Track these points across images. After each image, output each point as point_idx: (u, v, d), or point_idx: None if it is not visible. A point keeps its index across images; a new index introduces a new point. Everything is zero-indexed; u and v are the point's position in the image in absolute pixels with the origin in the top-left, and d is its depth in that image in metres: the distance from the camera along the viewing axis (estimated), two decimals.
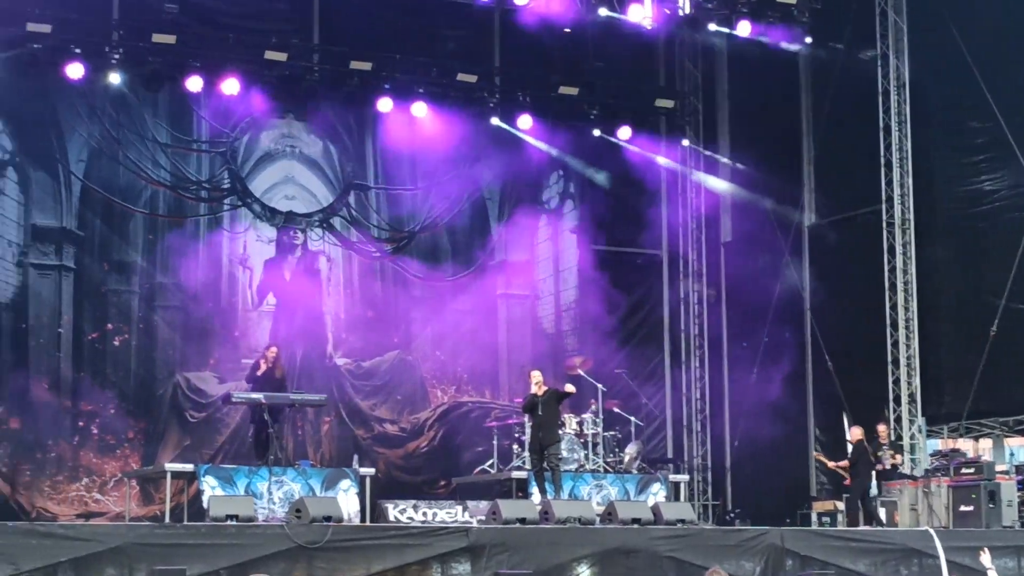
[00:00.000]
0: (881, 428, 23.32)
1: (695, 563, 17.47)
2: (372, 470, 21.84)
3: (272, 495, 20.03)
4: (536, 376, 20.88)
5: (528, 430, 22.06)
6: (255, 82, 24.74)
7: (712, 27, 25.79)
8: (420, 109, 25.90)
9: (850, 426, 22.84)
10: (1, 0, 22.57)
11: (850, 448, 22.08)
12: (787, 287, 27.04)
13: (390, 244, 26.97)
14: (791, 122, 27.21)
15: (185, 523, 18.81)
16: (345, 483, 20.86)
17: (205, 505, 19.15)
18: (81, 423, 23.95)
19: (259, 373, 21.57)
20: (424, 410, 26.77)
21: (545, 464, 20.65)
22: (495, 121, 26.77)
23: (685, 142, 28.75)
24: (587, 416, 23.70)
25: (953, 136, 24.76)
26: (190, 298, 25.21)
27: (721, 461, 27.83)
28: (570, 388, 21.00)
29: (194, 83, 24.29)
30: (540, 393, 20.53)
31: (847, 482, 22.19)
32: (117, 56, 23.63)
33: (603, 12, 25.18)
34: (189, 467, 20.67)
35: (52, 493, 23.46)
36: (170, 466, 21.04)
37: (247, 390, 21.68)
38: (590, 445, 23.55)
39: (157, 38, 23.58)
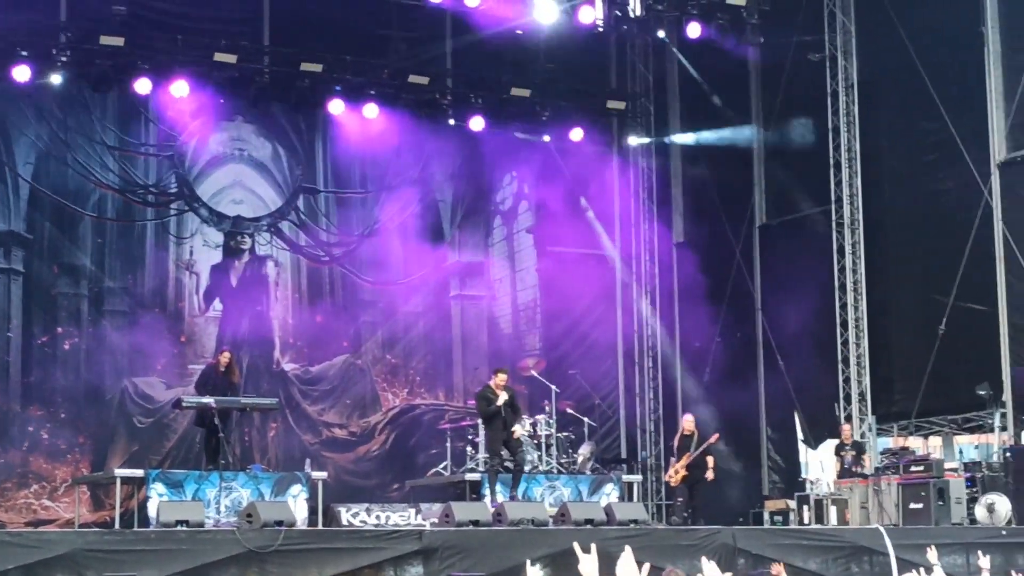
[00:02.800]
0: (845, 428, 23.48)
1: (649, 563, 17.45)
2: (324, 474, 21.76)
3: (220, 502, 19.93)
4: (502, 378, 20.63)
5: (483, 431, 22.01)
6: (204, 84, 24.55)
7: (661, 31, 25.84)
8: (371, 111, 25.81)
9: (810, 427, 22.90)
10: None
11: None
12: (739, 287, 27.16)
13: (339, 248, 26.86)
14: (741, 123, 27.31)
15: (135, 529, 18.68)
16: (296, 488, 20.77)
17: (154, 511, 19.05)
18: (31, 428, 23.73)
19: (216, 373, 21.54)
20: (375, 414, 26.65)
21: (510, 462, 20.61)
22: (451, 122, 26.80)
23: (634, 141, 28.78)
24: (540, 417, 23.71)
25: (902, 137, 24.94)
26: (137, 303, 25.07)
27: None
28: (504, 396, 20.61)
29: (142, 85, 24.10)
30: (505, 393, 20.31)
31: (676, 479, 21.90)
32: (64, 58, 23.42)
33: (554, 14, 25.15)
34: (139, 472, 20.53)
35: (1, 501, 23.24)
36: (120, 472, 20.88)
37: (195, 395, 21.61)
38: (543, 446, 23.54)
39: (105, 40, 23.35)
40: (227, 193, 25.93)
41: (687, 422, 21.86)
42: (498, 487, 20.73)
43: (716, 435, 21.80)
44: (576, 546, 8.10)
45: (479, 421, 23.13)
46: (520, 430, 20.82)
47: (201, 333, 25.58)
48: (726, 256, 27.29)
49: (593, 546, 8.08)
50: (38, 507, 23.39)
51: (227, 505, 19.97)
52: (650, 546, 18.16)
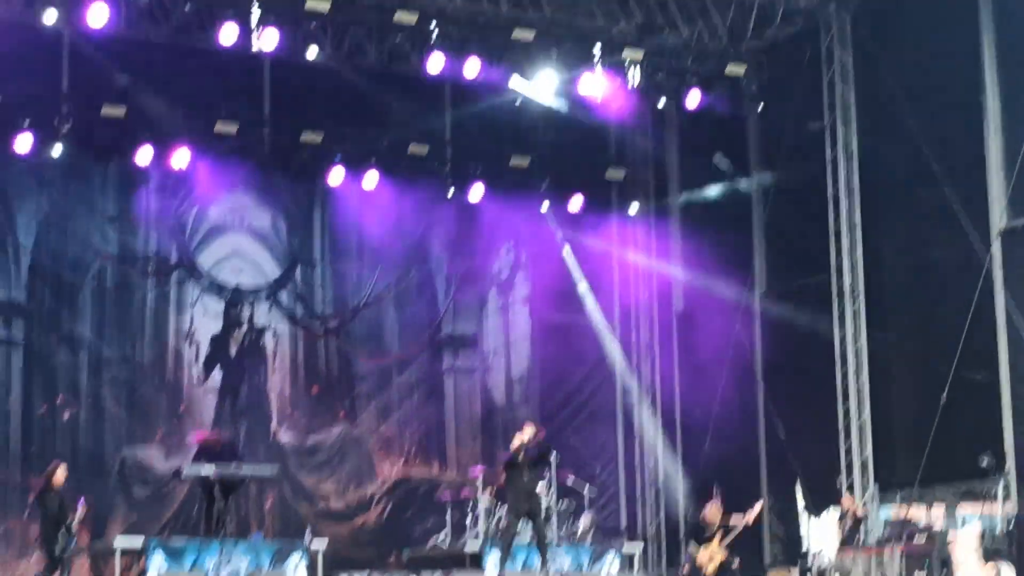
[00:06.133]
0: (845, 498, 23.35)
1: None
2: (324, 542, 21.63)
3: (220, 571, 19.80)
4: (525, 432, 20.31)
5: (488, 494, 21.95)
6: (205, 154, 24.67)
7: (662, 100, 26.00)
8: (371, 181, 25.90)
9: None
10: None
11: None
12: (739, 356, 27.08)
13: (335, 319, 26.84)
14: (741, 192, 27.35)
15: None
16: (295, 557, 20.70)
17: None
18: (31, 498, 23.58)
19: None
20: (371, 484, 26.56)
21: (533, 536, 20.54)
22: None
23: (634, 211, 28.84)
24: (540, 485, 23.60)
25: (902, 206, 24.91)
26: (136, 372, 25.05)
27: (675, 531, 27.74)
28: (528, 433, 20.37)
29: (143, 156, 24.20)
30: (522, 457, 20.09)
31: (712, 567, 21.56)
32: (66, 128, 23.42)
33: (555, 84, 25.23)
34: (138, 543, 20.41)
35: (1, 571, 23.07)
36: (119, 542, 20.76)
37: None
38: (543, 515, 23.42)
39: (106, 111, 23.47)
40: (227, 263, 25.95)
41: (714, 514, 21.57)
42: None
43: (761, 502, 21.72)
44: None
45: (478, 494, 23.09)
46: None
47: (200, 403, 25.51)
48: (726, 324, 27.23)
49: None
50: None
51: (227, 574, 19.85)
52: None
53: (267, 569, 19.93)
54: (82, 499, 19.84)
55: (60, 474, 18.97)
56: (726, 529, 21.43)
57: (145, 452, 24.74)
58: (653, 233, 28.89)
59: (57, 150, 23.66)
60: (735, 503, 22.45)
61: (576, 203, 27.79)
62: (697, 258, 27.95)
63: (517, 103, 26.15)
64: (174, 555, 19.96)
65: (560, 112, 26.34)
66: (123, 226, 25.14)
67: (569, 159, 27.48)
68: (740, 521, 21.41)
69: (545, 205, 27.70)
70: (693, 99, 25.56)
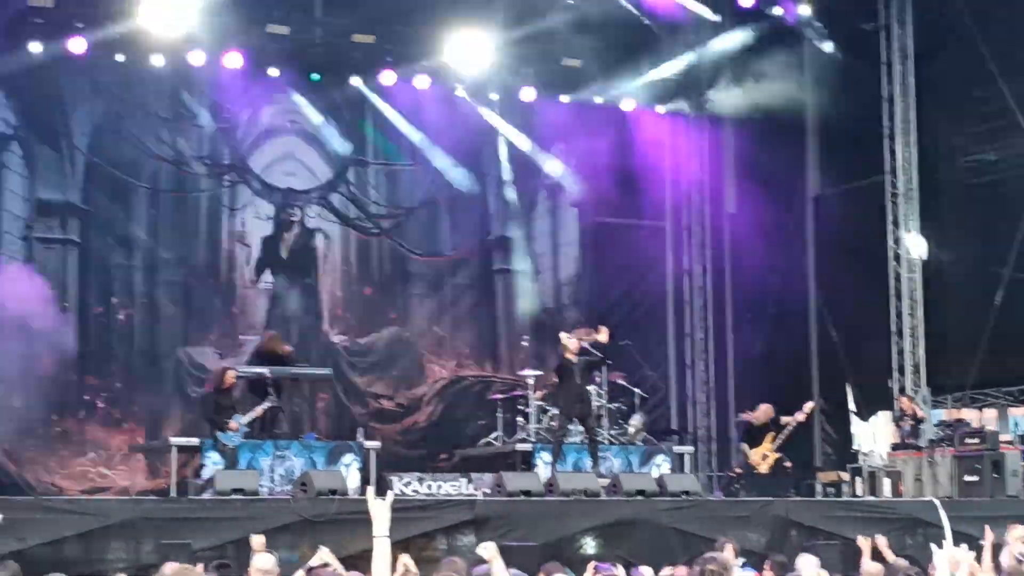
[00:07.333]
0: (904, 399, 23.35)
1: (700, 534, 17.45)
2: (377, 444, 21.81)
3: (274, 471, 20.02)
4: (570, 336, 20.62)
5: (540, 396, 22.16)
6: (257, 56, 24.65)
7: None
8: (423, 82, 25.83)
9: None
10: None
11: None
12: (792, 258, 27.01)
13: (388, 220, 26.90)
14: (794, 93, 27.11)
15: (191, 497, 18.80)
16: (348, 457, 20.88)
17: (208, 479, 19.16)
18: (87, 397, 23.94)
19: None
20: (422, 385, 26.72)
21: (584, 437, 20.70)
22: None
23: (685, 110, 28.63)
24: (591, 388, 23.69)
25: (957, 106, 24.75)
26: (191, 274, 25.23)
27: (726, 432, 27.84)
28: (602, 335, 20.70)
29: (197, 57, 24.20)
30: (576, 360, 20.33)
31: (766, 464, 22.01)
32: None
33: None
34: (195, 441, 20.65)
35: (58, 468, 23.37)
36: (175, 440, 21.01)
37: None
38: (594, 417, 23.52)
39: None
40: (279, 165, 26.01)
41: (765, 413, 21.89)
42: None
43: (811, 403, 21.96)
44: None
45: (529, 392, 23.21)
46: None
47: (252, 304, 25.69)
48: (779, 227, 27.13)
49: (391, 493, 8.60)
50: (95, 475, 23.54)
51: (281, 474, 20.07)
52: (702, 517, 18.17)
53: (321, 468, 20.09)
54: (267, 400, 20.52)
55: (230, 377, 19.63)
56: (777, 429, 21.58)
57: (200, 352, 24.94)
58: (707, 133, 28.71)
59: (111, 52, 23.70)
60: (787, 405, 22.55)
61: (628, 104, 27.61)
62: (750, 158, 27.82)
63: (570, 1, 25.95)
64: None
65: (612, 11, 26.12)
66: (177, 128, 25.20)
67: (621, 59, 27.24)
68: (791, 421, 21.59)
69: (597, 101, 27.47)
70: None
